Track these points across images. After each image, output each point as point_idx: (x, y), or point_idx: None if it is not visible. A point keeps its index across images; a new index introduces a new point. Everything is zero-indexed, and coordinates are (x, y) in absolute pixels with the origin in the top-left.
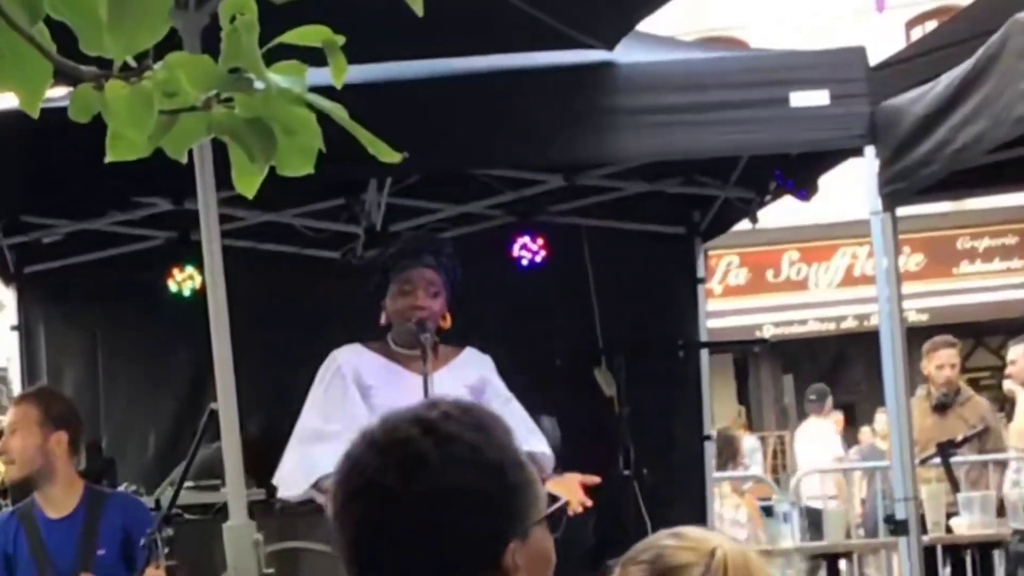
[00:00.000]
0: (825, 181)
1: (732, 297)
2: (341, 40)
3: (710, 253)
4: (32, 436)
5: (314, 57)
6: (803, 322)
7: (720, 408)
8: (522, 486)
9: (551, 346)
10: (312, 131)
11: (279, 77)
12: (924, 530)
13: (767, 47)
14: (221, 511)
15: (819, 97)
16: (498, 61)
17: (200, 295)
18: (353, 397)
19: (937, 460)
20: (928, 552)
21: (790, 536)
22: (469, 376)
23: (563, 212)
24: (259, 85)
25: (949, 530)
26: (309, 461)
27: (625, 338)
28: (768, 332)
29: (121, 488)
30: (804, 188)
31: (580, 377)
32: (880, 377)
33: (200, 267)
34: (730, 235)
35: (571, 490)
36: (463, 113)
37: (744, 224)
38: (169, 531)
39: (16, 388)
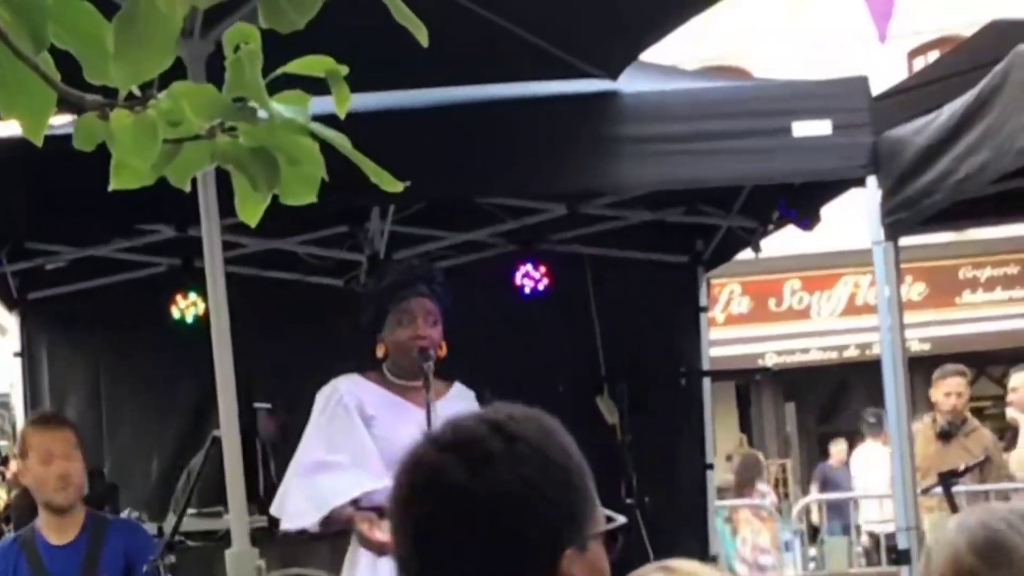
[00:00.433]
0: (827, 210)
1: (734, 325)
2: (344, 70)
3: (712, 282)
4: (80, 459)
5: (317, 85)
6: (805, 351)
7: (722, 436)
8: (584, 492)
9: (553, 374)
10: (315, 160)
11: (282, 106)
12: None
13: (770, 77)
14: (224, 538)
15: (822, 127)
16: (501, 90)
17: (203, 322)
18: (359, 427)
19: (939, 489)
20: None
21: (792, 566)
22: (460, 409)
23: (566, 240)
24: (263, 114)
25: None
26: (319, 492)
27: (628, 366)
28: (770, 360)
29: (124, 514)
30: (807, 218)
31: (582, 405)
32: (882, 406)
33: (203, 294)
34: (732, 264)
35: None
36: (466, 141)
37: (746, 253)
38: (172, 558)
39: (19, 414)
